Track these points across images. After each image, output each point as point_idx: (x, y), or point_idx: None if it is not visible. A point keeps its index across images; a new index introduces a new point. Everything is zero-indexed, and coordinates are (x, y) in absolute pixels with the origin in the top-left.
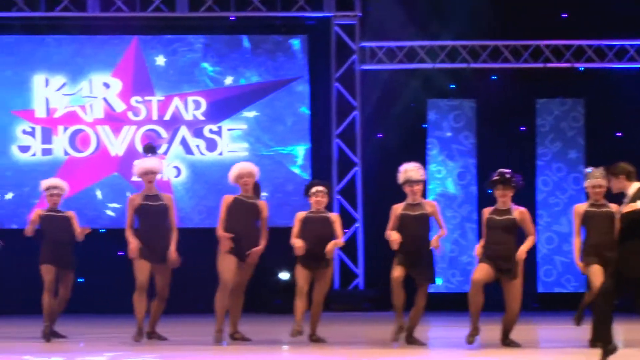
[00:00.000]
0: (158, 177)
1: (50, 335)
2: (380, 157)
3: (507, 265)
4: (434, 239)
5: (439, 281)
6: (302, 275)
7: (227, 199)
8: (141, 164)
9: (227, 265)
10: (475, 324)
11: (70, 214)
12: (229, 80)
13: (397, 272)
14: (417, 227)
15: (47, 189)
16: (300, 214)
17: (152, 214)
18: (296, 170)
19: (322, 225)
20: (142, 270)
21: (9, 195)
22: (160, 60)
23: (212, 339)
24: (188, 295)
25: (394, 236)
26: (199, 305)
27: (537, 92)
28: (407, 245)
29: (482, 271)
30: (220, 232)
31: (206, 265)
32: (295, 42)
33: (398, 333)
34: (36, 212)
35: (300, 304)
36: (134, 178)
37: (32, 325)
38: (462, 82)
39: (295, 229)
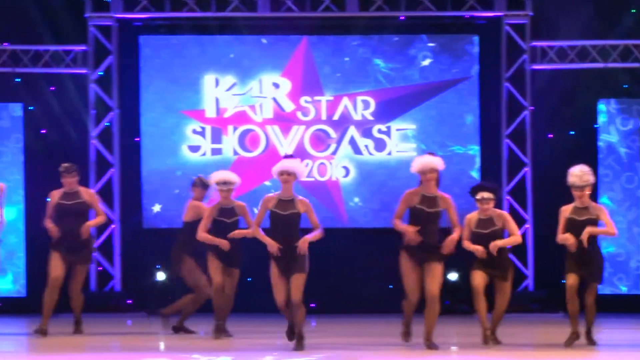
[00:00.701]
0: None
1: (220, 333)
2: (551, 158)
3: None
4: (590, 231)
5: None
6: (478, 275)
7: (408, 198)
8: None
9: (410, 275)
10: None
11: (241, 209)
12: (398, 80)
13: (571, 279)
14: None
15: (218, 183)
16: (471, 219)
17: (282, 221)
18: (466, 171)
19: (492, 234)
20: (277, 279)
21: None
22: (330, 60)
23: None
24: (354, 295)
25: (570, 240)
26: (363, 305)
27: None
28: (577, 249)
29: None
30: (406, 229)
31: (373, 265)
32: (466, 42)
33: (573, 339)
34: (210, 210)
35: (482, 305)
36: (303, 178)
37: (201, 323)
38: (634, 82)
39: (466, 232)
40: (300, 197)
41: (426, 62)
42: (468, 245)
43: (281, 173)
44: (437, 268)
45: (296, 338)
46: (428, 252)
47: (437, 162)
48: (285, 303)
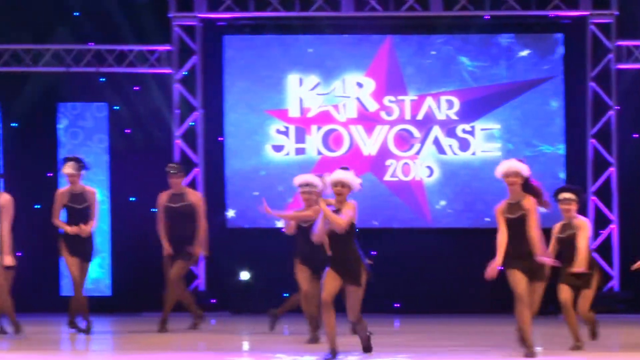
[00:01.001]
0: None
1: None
2: (636, 158)
3: None
4: None
5: None
6: (565, 289)
7: (499, 212)
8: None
9: (518, 279)
10: None
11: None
12: (482, 80)
13: None
14: None
15: (300, 185)
16: (556, 226)
17: (331, 232)
18: (553, 172)
19: (567, 239)
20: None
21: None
22: (413, 59)
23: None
24: (438, 295)
25: None
26: (447, 305)
27: None
28: None
29: None
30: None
31: (457, 265)
32: (550, 41)
33: None
34: (294, 214)
35: (571, 319)
36: (386, 178)
37: (285, 322)
38: None
39: (552, 240)
40: (349, 201)
41: (510, 62)
42: (544, 259)
43: (335, 184)
44: (539, 288)
45: (362, 341)
46: (530, 269)
47: (520, 167)
48: (329, 301)
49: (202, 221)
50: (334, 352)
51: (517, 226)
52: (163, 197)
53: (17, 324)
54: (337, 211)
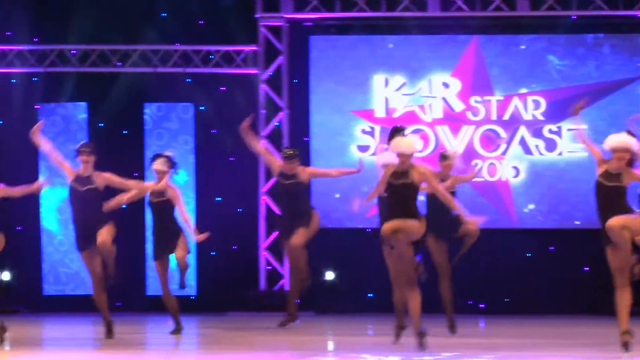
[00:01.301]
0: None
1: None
2: None
3: None
4: None
5: None
6: None
7: (598, 159)
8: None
9: (613, 256)
10: None
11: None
12: (569, 80)
13: None
14: None
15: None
16: None
17: (394, 192)
18: None
19: None
20: None
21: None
22: (499, 60)
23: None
24: (524, 296)
25: None
26: (532, 306)
27: None
28: None
29: None
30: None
31: (543, 266)
32: (638, 42)
33: None
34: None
35: None
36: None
37: (369, 322)
38: None
39: None
40: (418, 165)
41: (598, 62)
42: None
43: (402, 156)
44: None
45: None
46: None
47: (632, 142)
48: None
49: (332, 171)
50: (422, 334)
51: (609, 195)
52: (276, 168)
53: (109, 325)
54: (405, 172)
